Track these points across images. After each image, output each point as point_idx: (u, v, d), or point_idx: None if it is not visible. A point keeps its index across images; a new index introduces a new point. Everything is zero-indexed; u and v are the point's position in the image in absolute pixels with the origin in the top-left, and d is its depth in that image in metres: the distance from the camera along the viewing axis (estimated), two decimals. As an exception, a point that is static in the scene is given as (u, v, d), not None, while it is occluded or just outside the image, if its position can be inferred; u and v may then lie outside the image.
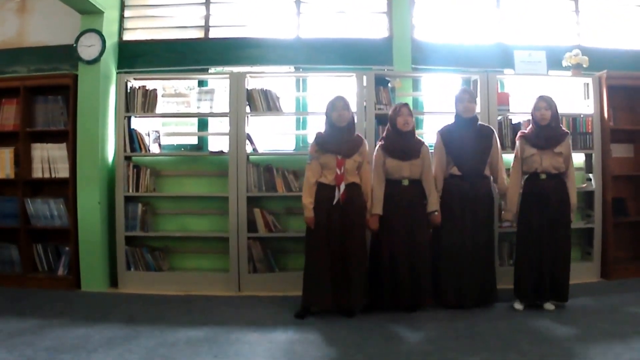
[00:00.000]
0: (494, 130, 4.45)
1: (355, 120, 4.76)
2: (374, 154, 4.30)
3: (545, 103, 4.23)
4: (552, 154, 4.21)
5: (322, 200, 4.09)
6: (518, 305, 4.23)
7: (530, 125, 4.37)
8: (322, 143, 4.14)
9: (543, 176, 4.23)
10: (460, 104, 4.35)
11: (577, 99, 5.37)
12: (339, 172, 4.07)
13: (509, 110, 5.08)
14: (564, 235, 4.20)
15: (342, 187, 4.07)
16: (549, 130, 4.22)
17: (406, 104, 4.33)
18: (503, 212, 4.38)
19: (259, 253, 5.01)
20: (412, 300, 4.18)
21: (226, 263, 5.04)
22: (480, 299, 4.27)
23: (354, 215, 4.10)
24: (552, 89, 5.36)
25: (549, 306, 4.20)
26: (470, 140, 4.30)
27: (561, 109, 5.07)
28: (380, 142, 4.33)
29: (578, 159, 5.34)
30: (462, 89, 4.43)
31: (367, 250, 4.21)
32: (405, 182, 4.24)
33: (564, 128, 4.36)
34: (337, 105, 4.15)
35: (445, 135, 4.39)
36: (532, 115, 4.33)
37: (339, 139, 4.11)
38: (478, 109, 4.93)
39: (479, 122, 4.46)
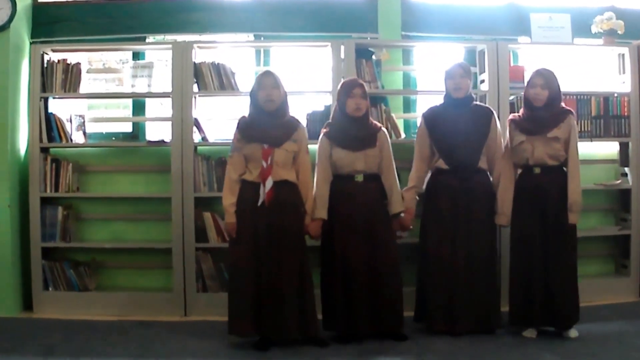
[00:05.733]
0: (494, 111, 4.10)
1: (331, 103, 4.50)
2: (318, 143, 3.96)
3: (542, 80, 3.87)
4: (545, 140, 3.88)
5: (245, 202, 3.75)
6: (529, 333, 3.87)
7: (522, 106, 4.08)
8: (245, 129, 3.80)
9: (537, 170, 3.92)
10: (451, 80, 3.99)
11: (609, 73, 4.94)
12: (264, 165, 3.70)
13: (524, 88, 4.56)
14: (565, 243, 3.88)
15: (269, 184, 3.71)
16: (543, 111, 3.91)
17: (361, 84, 3.96)
18: (496, 215, 4.03)
19: (209, 268, 4.64)
20: (374, 328, 3.86)
21: (169, 280, 4.65)
22: (478, 324, 3.94)
23: (287, 221, 3.76)
24: (579, 60, 5.03)
25: (573, 333, 3.81)
26: (463, 125, 3.95)
27: (590, 87, 4.86)
28: (324, 129, 3.97)
29: (611, 148, 4.96)
30: (456, 62, 4.10)
31: (309, 266, 3.86)
32: (359, 178, 3.90)
33: (564, 106, 3.99)
34: (266, 84, 3.75)
35: (430, 119, 4.08)
36: (524, 94, 4.01)
37: (266, 123, 3.76)
38: (486, 87, 4.68)
39: (475, 102, 4.11)
